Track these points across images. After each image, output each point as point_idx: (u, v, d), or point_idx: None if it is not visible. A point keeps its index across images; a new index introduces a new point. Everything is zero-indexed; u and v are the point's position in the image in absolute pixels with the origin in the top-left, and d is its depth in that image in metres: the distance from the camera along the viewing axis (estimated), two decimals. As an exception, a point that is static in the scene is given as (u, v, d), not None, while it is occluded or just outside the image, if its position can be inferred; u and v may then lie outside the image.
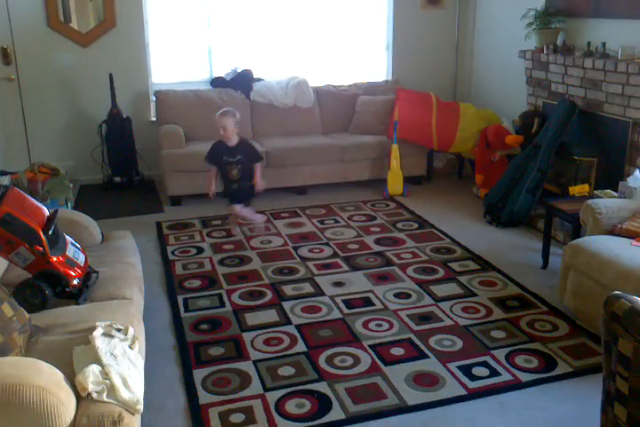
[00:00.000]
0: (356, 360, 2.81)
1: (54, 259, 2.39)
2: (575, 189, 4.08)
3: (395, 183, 5.23)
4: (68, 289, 2.42)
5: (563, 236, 4.12)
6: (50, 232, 2.40)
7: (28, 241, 2.33)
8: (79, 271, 2.47)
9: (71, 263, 2.45)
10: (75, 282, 2.41)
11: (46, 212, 2.50)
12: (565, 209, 3.71)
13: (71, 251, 2.49)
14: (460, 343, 2.94)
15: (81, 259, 2.53)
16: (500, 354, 2.85)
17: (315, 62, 6.02)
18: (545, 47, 4.76)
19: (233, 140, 4.09)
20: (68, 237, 2.59)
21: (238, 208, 4.18)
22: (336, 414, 2.45)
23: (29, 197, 2.54)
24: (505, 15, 5.56)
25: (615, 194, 3.65)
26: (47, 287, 2.37)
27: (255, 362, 2.80)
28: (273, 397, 2.55)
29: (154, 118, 5.60)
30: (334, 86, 5.89)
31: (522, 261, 3.93)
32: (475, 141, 5.24)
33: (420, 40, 6.12)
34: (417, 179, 5.56)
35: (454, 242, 4.22)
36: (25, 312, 2.20)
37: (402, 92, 5.60)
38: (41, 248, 2.35)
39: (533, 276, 3.70)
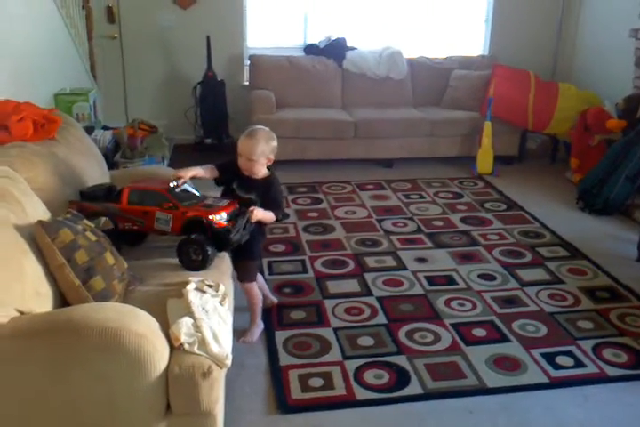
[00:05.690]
0: (437, 337, 2.78)
1: (188, 209, 2.41)
2: (681, 181, 3.85)
3: (485, 162, 5.09)
4: (214, 227, 2.35)
5: (662, 228, 3.91)
6: (177, 190, 2.44)
7: (158, 203, 2.41)
8: (220, 210, 2.40)
9: (208, 207, 2.42)
10: (216, 217, 2.35)
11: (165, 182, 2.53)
12: (669, 200, 3.51)
13: (210, 200, 2.49)
14: (544, 330, 2.86)
15: (223, 203, 2.47)
16: (587, 345, 2.75)
17: (410, 33, 5.88)
18: (662, 26, 4.46)
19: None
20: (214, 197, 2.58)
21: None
22: (414, 388, 2.44)
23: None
24: (619, -10, 5.23)
25: None
26: (209, 245, 2.36)
27: (335, 329, 2.82)
28: (352, 365, 2.57)
29: (246, 82, 5.65)
30: (428, 59, 5.75)
31: (615, 252, 3.76)
32: (572, 123, 5.01)
33: (521, 14, 5.85)
34: (508, 159, 5.38)
35: (544, 226, 4.08)
36: (124, 261, 2.28)
37: (499, 68, 5.41)
38: (170, 203, 2.40)
39: (627, 268, 3.54)
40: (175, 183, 2.46)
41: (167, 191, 2.42)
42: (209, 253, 2.37)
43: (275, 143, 2.57)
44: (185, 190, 2.51)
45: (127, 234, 2.55)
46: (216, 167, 2.64)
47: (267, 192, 2.57)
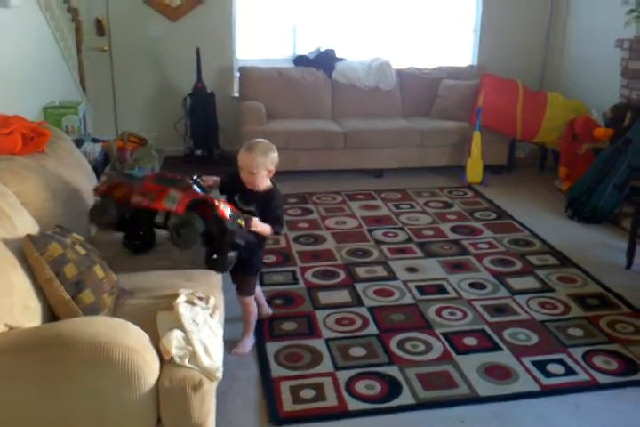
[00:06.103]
0: (428, 347, 2.78)
1: (198, 193, 2.44)
2: (668, 188, 3.88)
3: (474, 171, 5.12)
4: (216, 212, 2.37)
5: (650, 236, 3.93)
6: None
7: (175, 184, 2.43)
8: (228, 204, 2.45)
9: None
10: (222, 205, 2.37)
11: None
12: (657, 208, 3.54)
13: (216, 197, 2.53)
14: (535, 338, 2.87)
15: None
16: (577, 353, 2.76)
17: (399, 44, 5.93)
18: (646, 36, 4.52)
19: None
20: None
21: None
22: (406, 398, 2.44)
23: None
24: (603, 0, 5.28)
25: None
26: (200, 224, 2.38)
27: (327, 340, 2.82)
28: (343, 376, 2.56)
29: (236, 94, 5.66)
30: (417, 69, 5.79)
31: (604, 260, 3.79)
32: (560, 132, 5.05)
33: (509, 25, 5.91)
34: (497, 168, 5.42)
35: (533, 235, 4.10)
36: (113, 275, 2.28)
37: (487, 78, 5.46)
38: (185, 184, 2.43)
39: (616, 275, 3.56)
40: (199, 178, 2.51)
41: (189, 179, 2.47)
42: (199, 232, 2.37)
43: (274, 154, 2.57)
44: (203, 189, 2.54)
45: (134, 242, 2.60)
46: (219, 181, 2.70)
47: (267, 205, 2.58)
